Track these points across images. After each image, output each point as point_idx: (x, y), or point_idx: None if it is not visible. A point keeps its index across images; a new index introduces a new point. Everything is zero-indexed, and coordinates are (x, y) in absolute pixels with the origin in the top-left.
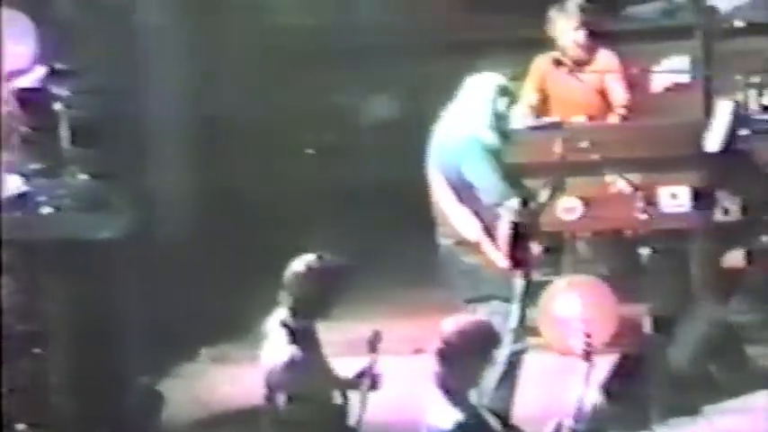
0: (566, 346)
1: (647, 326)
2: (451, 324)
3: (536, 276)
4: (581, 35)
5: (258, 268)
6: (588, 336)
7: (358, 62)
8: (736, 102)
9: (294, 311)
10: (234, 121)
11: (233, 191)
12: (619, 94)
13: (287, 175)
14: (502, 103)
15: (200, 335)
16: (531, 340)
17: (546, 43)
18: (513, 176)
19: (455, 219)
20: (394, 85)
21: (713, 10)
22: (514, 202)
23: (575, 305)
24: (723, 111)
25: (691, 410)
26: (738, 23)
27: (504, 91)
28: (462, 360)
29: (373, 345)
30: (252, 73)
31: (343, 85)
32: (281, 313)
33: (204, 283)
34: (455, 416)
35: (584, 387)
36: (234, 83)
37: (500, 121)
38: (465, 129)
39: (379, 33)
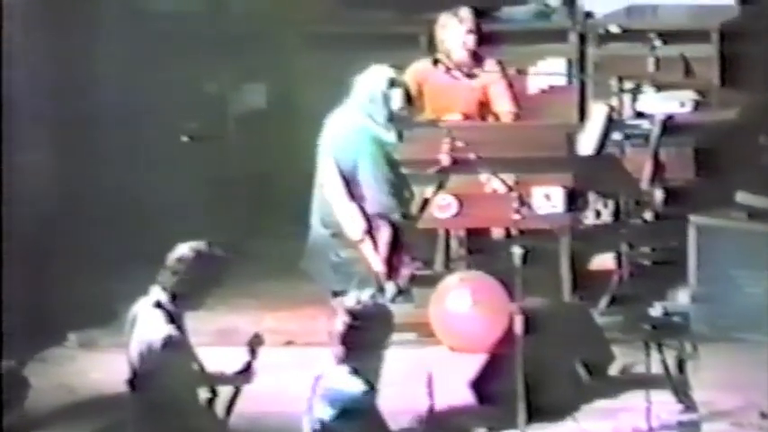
0: (456, 341)
1: (518, 325)
2: (351, 305)
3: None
4: (471, 39)
5: (127, 254)
6: None
7: (231, 51)
8: (611, 106)
9: (173, 295)
10: (105, 107)
11: (104, 176)
12: (506, 105)
13: (159, 163)
14: (395, 96)
15: (68, 319)
16: (405, 336)
17: (419, 40)
18: (403, 177)
19: (340, 213)
20: (266, 75)
21: (588, 15)
22: (396, 218)
23: (465, 301)
24: (597, 115)
25: (558, 411)
26: (613, 29)
27: (395, 83)
28: (365, 341)
29: (252, 347)
30: (124, 59)
31: (216, 74)
32: (155, 295)
33: (72, 267)
34: (362, 385)
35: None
36: (106, 68)
37: (394, 115)
38: (364, 123)
39: (251, 22)
